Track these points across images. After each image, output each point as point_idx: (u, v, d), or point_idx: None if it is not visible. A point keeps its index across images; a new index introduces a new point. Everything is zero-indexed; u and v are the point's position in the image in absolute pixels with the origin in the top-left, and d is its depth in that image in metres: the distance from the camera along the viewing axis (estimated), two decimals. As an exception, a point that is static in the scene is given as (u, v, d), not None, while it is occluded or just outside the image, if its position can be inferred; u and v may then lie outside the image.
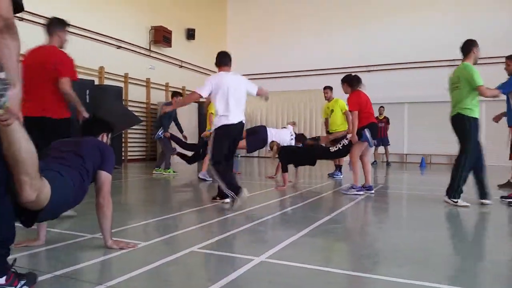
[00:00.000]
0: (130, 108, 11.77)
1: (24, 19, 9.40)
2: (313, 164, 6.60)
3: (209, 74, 15.48)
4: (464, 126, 4.67)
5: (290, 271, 2.27)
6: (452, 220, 4.08)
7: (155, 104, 13.20)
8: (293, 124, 8.44)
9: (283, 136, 7.52)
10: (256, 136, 7.45)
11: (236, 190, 4.22)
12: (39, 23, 9.65)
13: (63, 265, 2.25)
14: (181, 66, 14.62)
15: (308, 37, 15.61)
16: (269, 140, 7.33)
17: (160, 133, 8.32)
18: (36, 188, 1.82)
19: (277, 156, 6.67)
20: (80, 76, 10.34)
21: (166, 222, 3.73)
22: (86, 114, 3.81)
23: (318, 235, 3.18)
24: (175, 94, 8.61)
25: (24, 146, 1.72)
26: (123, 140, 11.69)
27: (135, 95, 12.61)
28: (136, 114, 11.66)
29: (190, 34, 14.92)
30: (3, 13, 1.62)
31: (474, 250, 2.90)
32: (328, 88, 8.24)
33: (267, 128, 7.64)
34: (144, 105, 13.08)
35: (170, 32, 13.58)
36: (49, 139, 2.79)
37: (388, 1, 14.47)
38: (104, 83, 11.23)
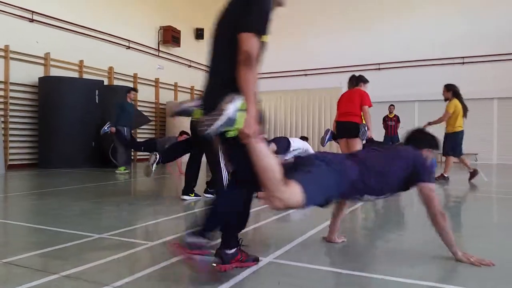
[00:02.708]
0: (139, 108, 11.82)
1: (35, 20, 9.48)
2: None
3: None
4: None
5: (299, 272, 2.23)
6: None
7: (164, 104, 13.24)
8: (305, 139, 8.29)
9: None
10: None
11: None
12: (49, 24, 9.73)
13: (70, 265, 2.24)
14: (189, 66, 14.64)
15: (318, 36, 15.49)
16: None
17: (106, 128, 8.21)
18: (279, 198, 1.88)
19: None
20: (89, 77, 10.50)
21: (174, 222, 3.71)
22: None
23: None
24: (130, 90, 8.64)
25: (260, 162, 1.89)
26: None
27: (144, 95, 12.65)
28: (145, 114, 11.72)
29: (199, 34, 14.93)
30: (245, 47, 1.87)
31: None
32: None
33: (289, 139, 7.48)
34: (153, 105, 13.12)
35: (179, 32, 13.60)
36: None
37: (398, -2, 14.33)
38: (114, 83, 11.28)
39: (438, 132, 7.49)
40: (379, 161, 2.37)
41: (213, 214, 2.12)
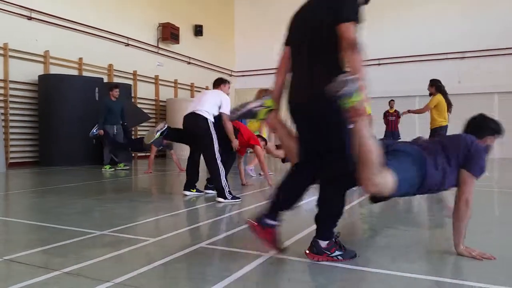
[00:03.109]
0: (139, 106, 11.81)
1: (33, 18, 9.45)
2: None
3: (217, 71, 15.47)
4: None
5: (304, 267, 2.22)
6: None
7: (164, 101, 13.22)
8: None
9: None
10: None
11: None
12: (48, 21, 9.71)
13: (71, 262, 2.23)
14: (189, 63, 14.60)
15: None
16: None
17: (94, 131, 8.19)
18: (375, 184, 1.97)
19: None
20: (89, 74, 10.47)
21: (175, 218, 3.70)
22: None
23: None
24: (114, 86, 8.56)
25: (365, 143, 1.95)
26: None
27: (144, 92, 12.64)
28: (145, 111, 11.71)
29: (198, 31, 14.88)
30: (349, 35, 2.05)
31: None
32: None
33: None
34: (153, 102, 13.10)
35: (177, 29, 13.56)
36: None
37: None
38: (113, 81, 11.26)
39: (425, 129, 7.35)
40: (443, 153, 2.31)
41: (323, 209, 2.23)
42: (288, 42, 2.46)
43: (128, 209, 4.14)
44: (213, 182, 4.57)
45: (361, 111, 1.93)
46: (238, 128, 5.35)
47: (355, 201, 4.38)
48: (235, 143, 4.97)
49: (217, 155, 4.50)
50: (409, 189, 2.19)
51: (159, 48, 13.28)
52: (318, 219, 2.27)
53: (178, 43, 13.69)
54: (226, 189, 4.40)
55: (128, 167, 8.64)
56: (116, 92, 8.55)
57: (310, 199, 4.73)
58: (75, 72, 10.41)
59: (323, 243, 2.22)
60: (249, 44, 16.76)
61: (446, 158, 2.29)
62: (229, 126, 4.83)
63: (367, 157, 1.95)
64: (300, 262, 2.28)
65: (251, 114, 2.44)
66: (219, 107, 4.71)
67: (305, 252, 2.27)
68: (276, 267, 2.23)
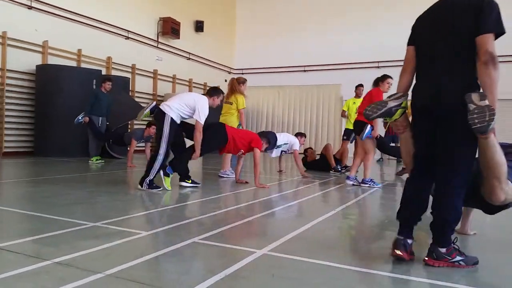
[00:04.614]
0: (137, 100, 11.78)
1: (33, 7, 9.40)
2: None
3: (216, 67, 15.48)
4: None
5: (294, 265, 2.23)
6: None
7: (162, 96, 13.19)
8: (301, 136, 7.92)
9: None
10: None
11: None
12: (48, 11, 9.65)
13: (63, 252, 2.22)
14: (189, 58, 14.57)
15: (320, 31, 15.46)
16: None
17: (80, 118, 8.12)
18: (504, 192, 2.24)
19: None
20: (87, 66, 10.43)
21: (168, 212, 3.70)
22: None
23: (324, 229, 3.13)
24: (107, 79, 8.48)
25: (496, 156, 2.15)
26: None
27: (142, 86, 12.60)
28: (143, 105, 11.66)
29: (199, 26, 14.85)
30: (489, 48, 2.07)
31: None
32: (361, 86, 8.56)
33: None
34: (151, 97, 13.07)
35: (178, 24, 13.52)
36: None
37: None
38: (112, 74, 11.22)
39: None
40: None
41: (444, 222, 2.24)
42: (414, 42, 2.46)
43: (122, 201, 4.13)
44: (146, 171, 4.74)
45: (493, 130, 2.04)
46: (233, 138, 5.32)
47: (349, 203, 4.38)
48: (197, 154, 4.96)
49: (161, 151, 4.66)
50: None
51: (159, 42, 13.24)
52: (434, 226, 2.27)
53: (179, 38, 13.65)
54: (149, 178, 4.67)
55: (103, 161, 8.49)
56: (108, 85, 8.48)
57: (292, 203, 4.76)
58: (73, 64, 10.36)
59: (443, 249, 2.23)
60: (250, 42, 16.76)
61: None
62: (198, 137, 4.85)
63: (499, 169, 2.17)
64: (291, 260, 2.28)
65: (390, 114, 2.41)
66: (193, 111, 4.78)
67: (424, 259, 2.27)
68: (268, 264, 2.23)
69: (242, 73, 16.81)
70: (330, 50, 15.09)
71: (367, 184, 5.74)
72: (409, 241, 2.30)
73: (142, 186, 4.68)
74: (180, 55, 14.17)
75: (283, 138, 7.18)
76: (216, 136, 5.29)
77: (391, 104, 2.40)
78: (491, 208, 2.53)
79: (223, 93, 5.36)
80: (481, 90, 2.14)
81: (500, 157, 2.14)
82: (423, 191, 2.36)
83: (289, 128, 15.78)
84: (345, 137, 8.47)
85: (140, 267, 2.08)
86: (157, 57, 13.20)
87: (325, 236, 2.94)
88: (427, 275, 2.14)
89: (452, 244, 2.27)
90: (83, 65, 10.47)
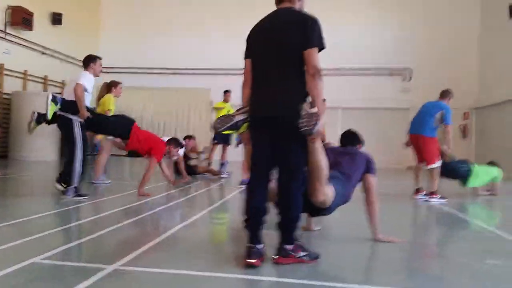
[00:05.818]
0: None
1: None
2: None
3: (76, 64, 14.22)
4: None
5: (150, 277, 2.15)
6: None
7: (9, 94, 11.62)
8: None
9: None
10: None
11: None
12: None
13: None
14: (43, 53, 13.11)
15: (187, 34, 15.36)
16: None
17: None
18: (323, 194, 2.52)
19: None
20: None
21: (14, 227, 3.25)
22: None
23: (182, 236, 3.11)
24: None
25: (320, 160, 2.41)
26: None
27: (-16, 82, 10.91)
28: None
29: (57, 19, 13.49)
30: (314, 62, 2.33)
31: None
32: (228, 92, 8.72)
33: None
34: (-4, 94, 11.40)
35: (31, 14, 12.08)
36: None
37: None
38: None
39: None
40: (349, 168, 2.95)
41: (288, 217, 2.43)
42: (249, 55, 2.57)
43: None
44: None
45: (320, 133, 2.29)
46: (137, 136, 5.22)
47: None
48: (82, 114, 4.59)
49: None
50: (339, 201, 2.77)
51: (7, 33, 11.63)
52: (280, 225, 2.43)
53: (31, 30, 12.18)
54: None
55: None
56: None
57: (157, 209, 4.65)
58: None
59: (289, 247, 2.40)
60: (115, 39, 15.85)
61: (354, 171, 2.96)
62: (78, 91, 4.52)
63: (321, 172, 2.43)
64: (143, 273, 2.21)
65: (236, 127, 2.57)
66: (85, 89, 4.56)
67: (273, 258, 2.40)
68: (116, 280, 2.12)
69: (107, 73, 15.81)
70: (198, 55, 15.08)
71: None
72: (259, 246, 2.43)
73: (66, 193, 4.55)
74: (33, 49, 12.66)
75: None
76: (119, 122, 5.36)
77: (237, 118, 2.59)
78: (315, 211, 2.81)
79: (99, 58, 4.95)
80: (309, 99, 2.38)
81: (323, 162, 2.41)
82: (262, 197, 2.49)
83: (159, 131, 15.35)
84: (215, 141, 8.66)
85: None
86: (5, 50, 11.59)
87: (183, 245, 2.92)
88: (277, 274, 2.30)
89: (297, 241, 2.45)
90: None
